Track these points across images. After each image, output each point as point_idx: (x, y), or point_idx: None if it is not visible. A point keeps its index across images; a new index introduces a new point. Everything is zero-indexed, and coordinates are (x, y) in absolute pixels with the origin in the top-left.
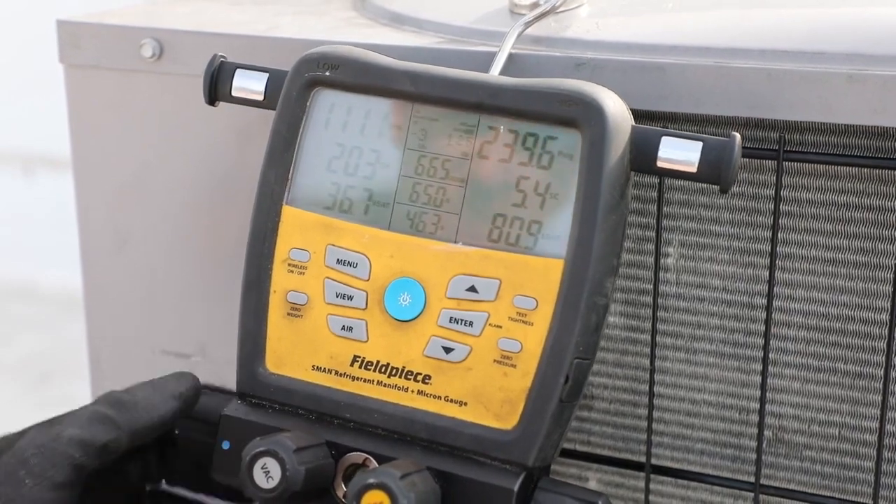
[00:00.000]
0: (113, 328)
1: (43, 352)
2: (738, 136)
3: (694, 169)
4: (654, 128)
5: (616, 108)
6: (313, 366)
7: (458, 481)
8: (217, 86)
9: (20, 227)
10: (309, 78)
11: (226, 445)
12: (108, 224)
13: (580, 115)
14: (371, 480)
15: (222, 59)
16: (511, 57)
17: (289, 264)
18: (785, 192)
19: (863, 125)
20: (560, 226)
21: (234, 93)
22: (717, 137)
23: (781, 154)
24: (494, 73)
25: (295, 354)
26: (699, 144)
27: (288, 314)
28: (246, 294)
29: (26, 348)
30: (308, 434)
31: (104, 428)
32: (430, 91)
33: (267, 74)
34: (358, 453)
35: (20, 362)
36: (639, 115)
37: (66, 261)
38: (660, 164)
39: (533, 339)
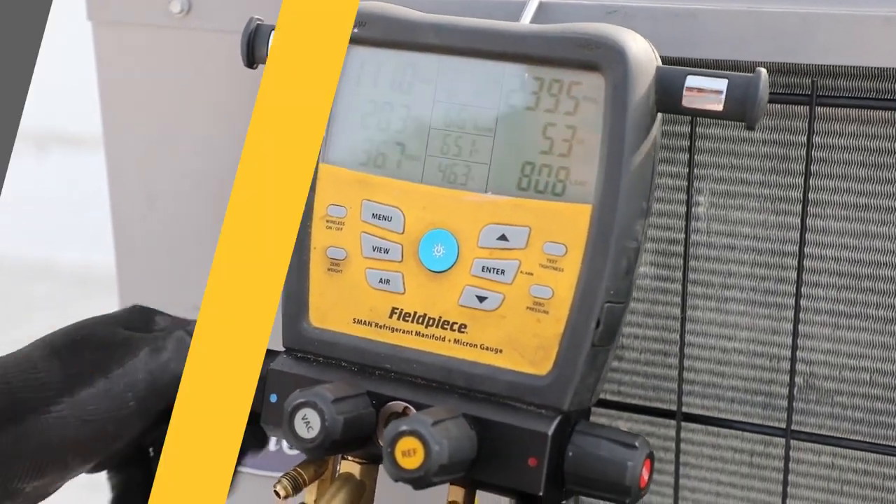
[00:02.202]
0: (144, 285)
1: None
2: (763, 70)
3: (720, 107)
4: (678, 67)
5: (638, 49)
6: (354, 319)
7: (495, 427)
8: (254, 49)
9: (36, 207)
10: None
11: (273, 398)
12: (138, 182)
13: (602, 58)
14: (403, 428)
15: (258, 22)
16: (541, 5)
17: (327, 220)
18: (817, 139)
19: None
20: (587, 171)
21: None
22: (742, 74)
23: (814, 99)
24: (525, 22)
25: (337, 308)
26: (724, 82)
27: (328, 269)
28: None
29: (43, 327)
30: (349, 385)
31: None
32: (454, 42)
33: None
34: (398, 402)
35: None
36: (671, 63)
37: (82, 240)
38: (685, 103)
39: (564, 285)
